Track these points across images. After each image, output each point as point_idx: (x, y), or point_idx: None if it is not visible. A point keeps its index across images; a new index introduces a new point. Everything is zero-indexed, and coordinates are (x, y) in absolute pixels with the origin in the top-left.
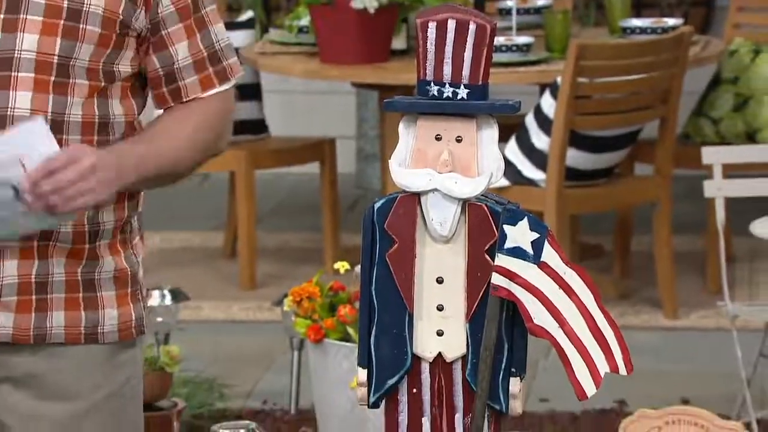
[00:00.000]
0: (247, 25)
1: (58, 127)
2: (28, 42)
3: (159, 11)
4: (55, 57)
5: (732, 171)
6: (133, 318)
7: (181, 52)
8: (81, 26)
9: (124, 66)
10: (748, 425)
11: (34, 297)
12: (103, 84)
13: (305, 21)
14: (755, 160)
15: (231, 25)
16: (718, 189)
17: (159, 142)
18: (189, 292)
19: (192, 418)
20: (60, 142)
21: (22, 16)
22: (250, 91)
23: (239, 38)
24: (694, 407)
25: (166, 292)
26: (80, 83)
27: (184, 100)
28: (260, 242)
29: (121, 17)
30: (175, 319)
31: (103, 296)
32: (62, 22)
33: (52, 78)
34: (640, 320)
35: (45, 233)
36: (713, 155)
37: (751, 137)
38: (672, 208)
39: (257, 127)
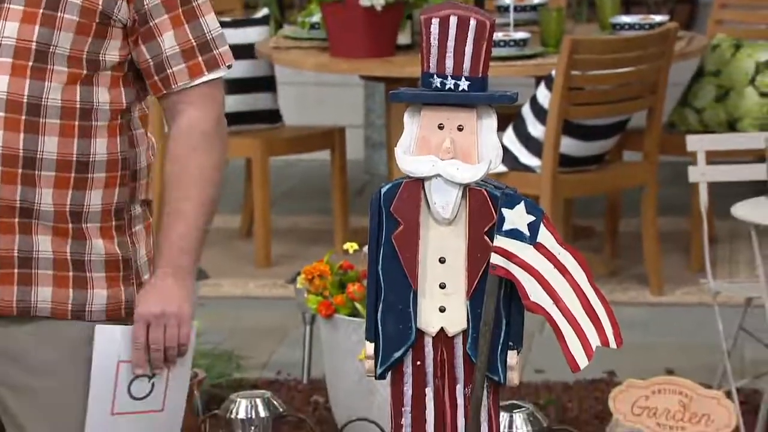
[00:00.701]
0: (263, 21)
1: (35, 110)
2: (9, 29)
3: (145, 3)
4: (34, 43)
5: (714, 157)
6: (123, 300)
7: (168, 41)
8: (59, 15)
9: (111, 56)
10: (728, 394)
11: (16, 270)
12: (86, 72)
13: (317, 18)
14: (736, 147)
15: (247, 22)
16: (701, 174)
17: (184, 206)
18: (208, 271)
19: (211, 388)
20: (37, 126)
21: (5, 5)
22: (265, 83)
23: (255, 34)
24: (678, 377)
25: None
26: (59, 69)
27: (174, 88)
28: (274, 224)
29: (100, 7)
30: (196, 295)
31: (93, 277)
32: (41, 10)
33: (30, 63)
34: (628, 296)
35: (25, 210)
36: (697, 143)
37: (731, 126)
38: (658, 192)
39: (272, 116)
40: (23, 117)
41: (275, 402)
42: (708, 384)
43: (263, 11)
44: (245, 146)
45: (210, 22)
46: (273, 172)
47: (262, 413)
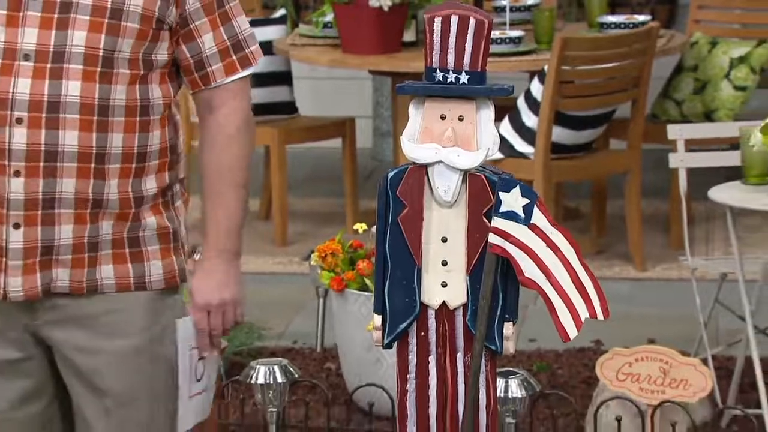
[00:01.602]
0: (280, 21)
1: (104, 111)
2: (77, 38)
3: (186, 7)
4: (101, 50)
5: (693, 145)
6: (176, 268)
7: (207, 42)
8: (122, 23)
9: (161, 55)
10: (704, 361)
11: (86, 255)
12: (142, 72)
13: (329, 17)
14: (712, 135)
15: (266, 21)
16: (681, 161)
17: (225, 194)
18: None
19: (233, 356)
20: (106, 125)
21: (72, 15)
22: (282, 78)
23: (273, 32)
24: (659, 346)
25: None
26: (123, 72)
27: (212, 85)
28: (291, 206)
29: (156, 14)
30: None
31: (148, 250)
32: (106, 20)
33: (98, 69)
34: (613, 272)
35: (96, 202)
36: (677, 132)
37: (708, 116)
38: (641, 177)
39: (288, 108)
40: (95, 118)
41: (291, 368)
42: (686, 352)
43: (280, 11)
44: (264, 135)
45: (241, 23)
46: (289, 158)
47: (280, 379)
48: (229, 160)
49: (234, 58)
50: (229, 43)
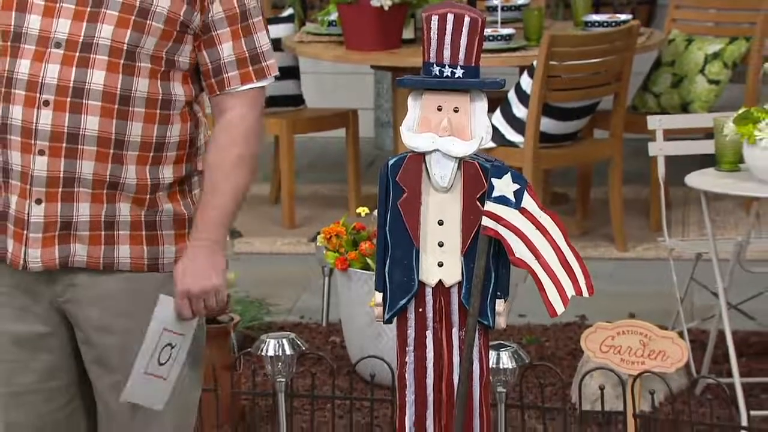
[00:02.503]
0: (288, 19)
1: (125, 100)
2: (105, 31)
3: (210, 15)
4: (125, 45)
5: (670, 135)
6: None
7: (226, 50)
8: (148, 22)
9: (184, 58)
10: (680, 334)
11: (102, 233)
12: (164, 69)
13: (334, 16)
14: (688, 126)
15: (275, 20)
16: (659, 149)
17: (222, 188)
18: (242, 231)
19: (245, 330)
20: (126, 113)
21: (103, 10)
22: (290, 72)
23: (282, 30)
24: (639, 320)
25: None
26: (144, 66)
27: (226, 90)
28: (298, 191)
29: (181, 18)
30: (232, 251)
31: (163, 234)
32: (133, 17)
33: (122, 61)
34: (597, 252)
35: (112, 184)
36: (656, 122)
37: (684, 108)
38: (623, 164)
39: (296, 100)
40: (116, 106)
41: (299, 342)
42: (664, 326)
43: (288, 11)
44: (273, 125)
45: (262, 38)
46: (297, 147)
47: (288, 351)
48: (231, 160)
49: (250, 68)
50: (248, 54)
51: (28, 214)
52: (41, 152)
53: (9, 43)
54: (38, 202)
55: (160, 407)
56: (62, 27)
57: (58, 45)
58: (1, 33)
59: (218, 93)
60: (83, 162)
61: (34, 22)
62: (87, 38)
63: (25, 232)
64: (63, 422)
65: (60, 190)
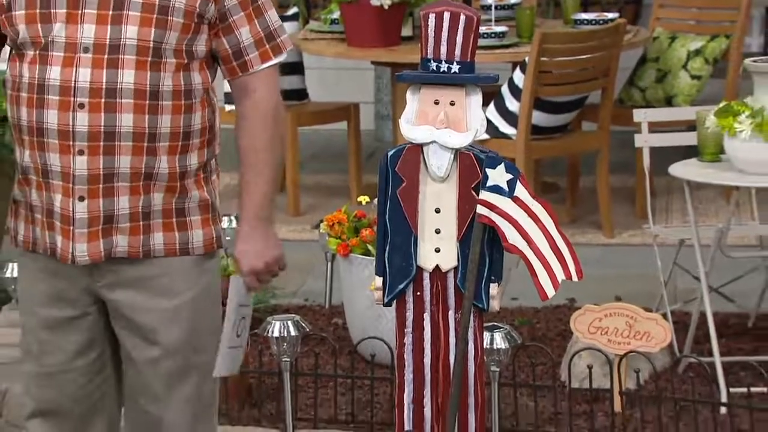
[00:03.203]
0: (293, 18)
1: (154, 95)
2: (130, 32)
3: (225, 4)
4: (151, 42)
5: (655, 127)
6: (214, 236)
7: (245, 34)
8: (169, 18)
9: (201, 46)
10: (664, 316)
11: (141, 223)
12: (186, 61)
13: (336, 15)
14: (672, 119)
15: (281, 18)
16: (644, 141)
17: (261, 168)
18: None
19: (252, 312)
20: (157, 108)
21: (125, 12)
22: (294, 68)
23: (287, 28)
24: (625, 303)
25: (233, 217)
26: (169, 62)
27: (250, 71)
28: (302, 181)
29: (198, 10)
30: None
31: (191, 220)
32: (155, 16)
33: (149, 59)
34: (586, 239)
35: (147, 175)
36: (641, 115)
37: (668, 102)
38: (610, 155)
39: (300, 94)
40: (147, 102)
41: (303, 323)
42: (648, 308)
43: (293, 9)
44: None
45: (272, 15)
46: (301, 139)
47: (293, 332)
48: (264, 139)
49: (267, 47)
50: (263, 34)
51: (73, 210)
52: (80, 152)
53: (38, 52)
54: (81, 199)
55: (237, 371)
56: (87, 32)
57: (86, 49)
58: (30, 44)
59: (240, 75)
60: (121, 157)
61: (59, 30)
62: (113, 40)
63: (71, 228)
64: (94, 393)
65: (101, 186)
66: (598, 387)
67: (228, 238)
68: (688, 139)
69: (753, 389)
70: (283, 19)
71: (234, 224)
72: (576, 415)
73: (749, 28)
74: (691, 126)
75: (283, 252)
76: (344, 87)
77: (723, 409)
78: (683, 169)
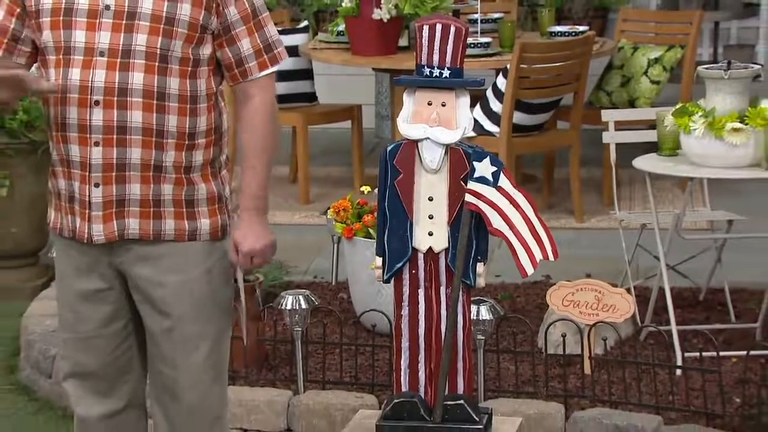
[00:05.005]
0: (304, 30)
1: (161, 97)
2: (140, 39)
3: (228, 18)
4: (158, 49)
5: (620, 126)
6: (219, 225)
7: (246, 45)
8: (174, 29)
9: (205, 55)
10: (628, 290)
11: (151, 209)
12: (191, 68)
13: (342, 27)
14: (635, 118)
15: (293, 30)
16: (611, 138)
17: (257, 165)
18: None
19: (268, 288)
20: (164, 108)
21: (136, 22)
22: (305, 74)
23: (299, 38)
24: (594, 279)
25: None
26: (175, 67)
27: (249, 78)
28: (312, 173)
29: (201, 22)
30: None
31: (199, 211)
32: (162, 26)
33: (156, 64)
34: (560, 223)
35: (156, 167)
36: (608, 115)
37: (632, 104)
38: (581, 150)
39: (310, 97)
40: (155, 102)
41: (312, 298)
42: (614, 284)
43: (304, 23)
44: (291, 118)
45: (271, 29)
46: (311, 136)
47: (303, 305)
48: (261, 138)
49: (266, 57)
50: (262, 46)
51: (89, 196)
52: (96, 144)
53: (61, 56)
54: (96, 185)
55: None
56: (104, 39)
57: (102, 54)
58: (54, 48)
59: (241, 81)
60: (132, 149)
61: (79, 37)
62: (125, 46)
63: (88, 211)
64: (121, 357)
65: (114, 174)
66: (571, 353)
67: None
68: (649, 136)
69: (704, 354)
70: (295, 31)
71: None
72: (551, 378)
73: (700, 39)
74: (651, 125)
75: (275, 239)
76: (349, 91)
77: (678, 371)
78: (645, 163)
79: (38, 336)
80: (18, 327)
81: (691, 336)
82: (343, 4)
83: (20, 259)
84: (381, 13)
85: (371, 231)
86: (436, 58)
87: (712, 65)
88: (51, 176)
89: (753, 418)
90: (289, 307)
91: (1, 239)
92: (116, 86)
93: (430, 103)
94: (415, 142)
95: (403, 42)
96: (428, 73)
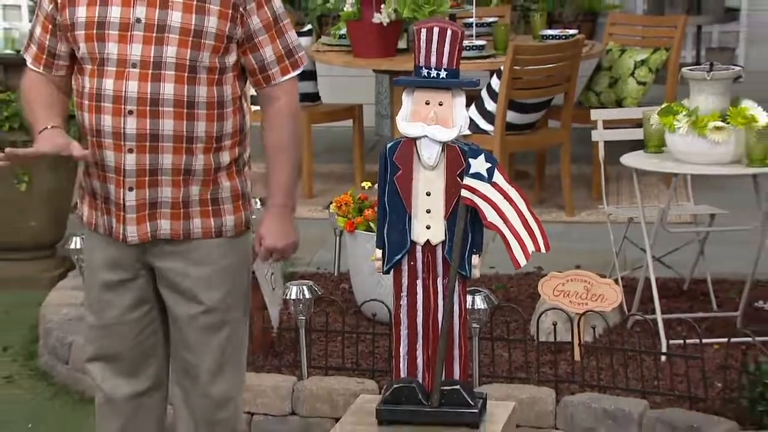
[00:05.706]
0: (308, 33)
1: (191, 105)
2: (171, 51)
3: (251, 27)
4: (187, 61)
5: (608, 125)
6: (243, 221)
7: (269, 52)
8: (202, 41)
9: (230, 62)
10: (616, 281)
11: (181, 210)
12: (218, 76)
13: (344, 31)
14: (622, 117)
15: (297, 34)
16: (600, 136)
17: (284, 164)
18: None
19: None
20: (194, 115)
21: (166, 35)
22: (309, 75)
23: (303, 42)
24: (583, 270)
25: (257, 200)
26: (203, 77)
27: (272, 83)
28: (315, 169)
29: (227, 33)
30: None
31: (224, 208)
32: (191, 38)
33: (186, 74)
34: (551, 217)
35: (186, 170)
36: (597, 114)
37: (619, 104)
38: (571, 147)
39: (313, 97)
40: (185, 110)
41: (316, 288)
42: (603, 274)
43: (308, 26)
44: None
45: (292, 35)
46: (314, 134)
47: (307, 295)
48: (287, 138)
49: (287, 62)
50: (283, 52)
51: (124, 199)
52: (130, 150)
53: (96, 67)
54: (130, 189)
55: (281, 303)
56: (136, 51)
57: (134, 65)
58: (90, 59)
59: (265, 86)
60: (163, 155)
61: (113, 49)
62: (156, 58)
63: (122, 213)
64: (144, 342)
65: (146, 178)
66: (561, 340)
67: (254, 217)
68: (636, 134)
69: (688, 341)
70: (299, 34)
71: (259, 205)
72: (543, 364)
73: (684, 43)
74: (638, 123)
75: (298, 239)
76: (350, 91)
77: (663, 358)
78: (632, 160)
79: (56, 324)
80: (36, 315)
81: (675, 324)
82: (345, 9)
83: (38, 251)
84: (381, 17)
85: (372, 224)
86: (433, 59)
87: (695, 67)
88: (85, 176)
89: (733, 402)
90: (293, 296)
91: (21, 232)
92: (148, 96)
93: (427, 103)
94: (413, 140)
95: (402, 44)
96: (426, 74)
